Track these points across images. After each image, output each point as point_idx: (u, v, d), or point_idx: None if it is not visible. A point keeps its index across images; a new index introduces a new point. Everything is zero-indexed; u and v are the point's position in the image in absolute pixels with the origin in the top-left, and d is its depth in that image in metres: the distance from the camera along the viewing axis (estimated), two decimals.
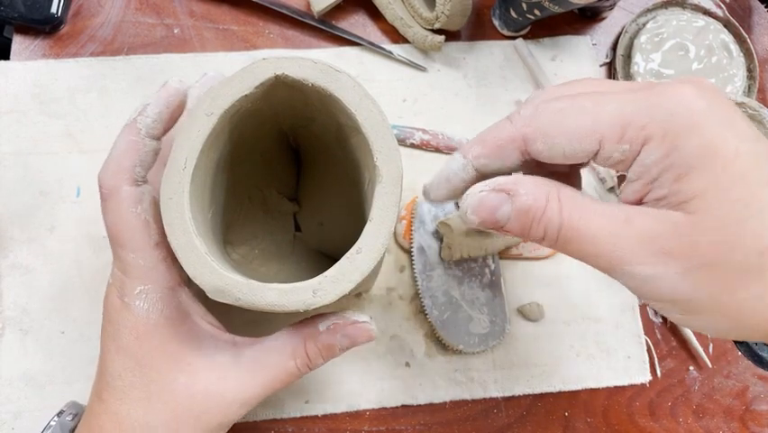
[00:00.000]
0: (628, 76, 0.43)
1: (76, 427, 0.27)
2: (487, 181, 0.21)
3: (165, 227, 0.22)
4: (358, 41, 0.42)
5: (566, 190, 0.21)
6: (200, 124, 0.23)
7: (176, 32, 0.42)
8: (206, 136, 0.23)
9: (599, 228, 0.19)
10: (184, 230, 0.22)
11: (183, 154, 0.23)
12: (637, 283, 0.20)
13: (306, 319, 0.26)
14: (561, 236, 0.20)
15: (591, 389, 0.38)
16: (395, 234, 0.39)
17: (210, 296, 0.22)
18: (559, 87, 0.23)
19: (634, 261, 0.19)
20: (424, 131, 0.41)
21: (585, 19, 0.46)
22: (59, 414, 0.28)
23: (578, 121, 0.20)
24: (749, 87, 0.44)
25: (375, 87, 0.42)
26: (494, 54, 0.44)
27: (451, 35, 0.43)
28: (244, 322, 0.34)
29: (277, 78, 0.23)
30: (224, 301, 0.22)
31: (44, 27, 0.40)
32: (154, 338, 0.25)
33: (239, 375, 0.25)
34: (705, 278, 0.18)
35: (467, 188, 0.23)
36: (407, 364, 0.37)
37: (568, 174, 0.26)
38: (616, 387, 0.38)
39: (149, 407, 0.25)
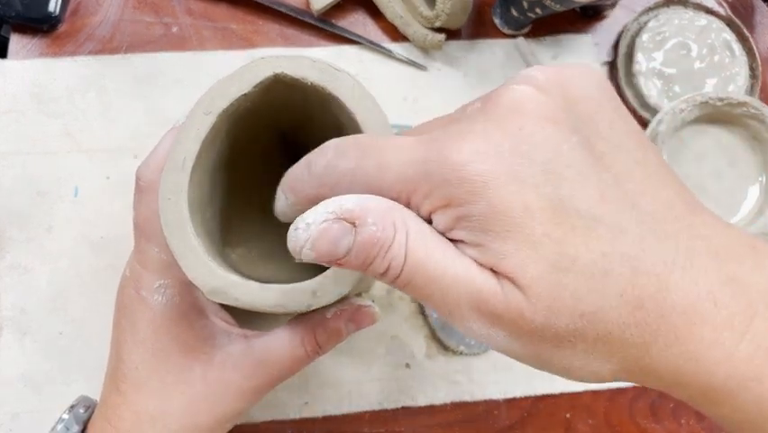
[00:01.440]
0: (630, 74, 0.43)
1: (89, 419, 0.27)
2: (329, 205, 0.17)
3: (163, 227, 0.22)
4: (358, 39, 0.42)
5: (413, 219, 0.17)
6: (199, 123, 0.23)
7: (174, 30, 0.42)
8: (205, 136, 0.23)
9: (439, 272, 0.17)
10: (182, 230, 0.22)
11: (181, 154, 0.22)
12: (475, 336, 0.18)
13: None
14: (403, 274, 0.17)
15: (593, 390, 0.38)
16: None
17: (208, 296, 0.22)
18: (348, 140, 0.19)
19: (467, 317, 0.17)
20: None
21: (586, 18, 0.45)
22: (71, 408, 0.28)
23: (364, 189, 0.18)
24: (751, 86, 0.43)
25: (375, 86, 0.41)
26: (495, 53, 0.43)
27: (451, 34, 0.43)
28: (251, 318, 0.34)
29: (276, 77, 0.23)
30: (223, 302, 0.22)
31: (42, 26, 0.40)
32: (171, 331, 0.26)
33: (252, 364, 0.26)
34: (533, 343, 0.17)
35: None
36: (408, 366, 0.37)
37: None
38: (617, 388, 0.38)
39: (165, 396, 0.26)
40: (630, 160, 0.17)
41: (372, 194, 0.18)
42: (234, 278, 0.22)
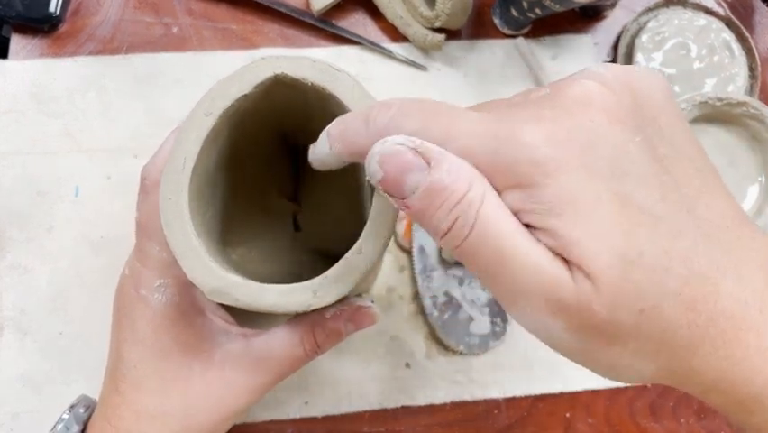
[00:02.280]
0: None
1: (89, 418, 0.27)
2: (411, 137, 0.17)
3: (163, 227, 0.22)
4: (358, 40, 0.42)
5: (491, 190, 0.17)
6: (199, 124, 0.23)
7: (175, 30, 0.42)
8: (205, 137, 0.23)
9: (510, 250, 0.16)
10: (182, 231, 0.22)
11: (182, 155, 0.22)
12: (528, 324, 0.18)
13: None
14: (470, 240, 0.16)
15: (593, 390, 0.38)
16: (395, 234, 0.39)
17: (208, 297, 0.22)
18: (414, 101, 0.19)
19: (530, 304, 0.17)
20: None
21: (586, 18, 0.45)
22: (71, 407, 0.28)
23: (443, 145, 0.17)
24: (751, 87, 0.43)
25: (375, 87, 0.41)
26: (495, 53, 0.43)
27: (451, 34, 0.43)
28: (250, 317, 0.34)
29: (276, 77, 0.23)
30: (223, 302, 0.22)
31: (43, 26, 0.40)
32: (170, 330, 0.26)
33: (251, 363, 0.26)
34: (589, 337, 0.16)
35: (340, 164, 0.20)
36: (408, 365, 0.37)
37: None
38: (617, 388, 0.38)
39: (165, 395, 0.26)
40: (690, 166, 0.17)
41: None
42: (234, 278, 0.22)
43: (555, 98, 0.17)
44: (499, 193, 0.17)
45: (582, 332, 0.16)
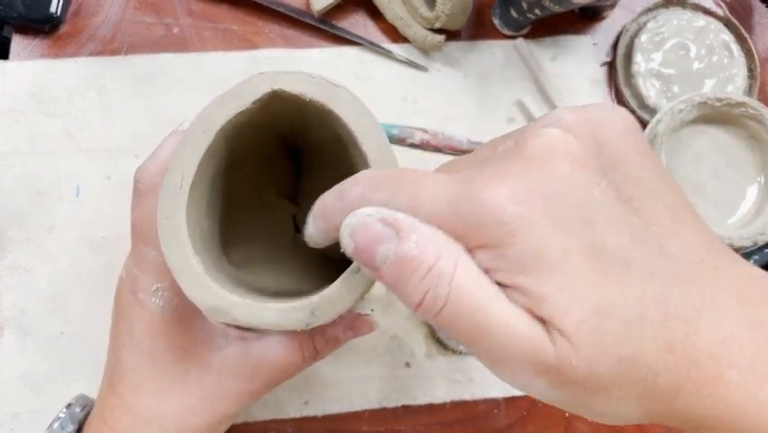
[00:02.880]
0: (629, 75, 0.43)
1: (85, 418, 0.27)
2: (380, 207, 0.17)
3: (161, 247, 0.22)
4: (358, 40, 0.42)
5: (464, 255, 0.17)
6: (196, 142, 0.23)
7: (175, 31, 0.42)
8: (202, 154, 0.23)
9: (491, 319, 0.16)
10: (180, 249, 0.22)
11: (179, 173, 0.22)
12: (514, 384, 0.18)
13: None
14: (444, 310, 0.16)
15: None
16: None
17: (207, 315, 0.22)
18: (382, 172, 0.19)
19: (512, 367, 0.17)
20: (424, 131, 0.41)
21: (586, 18, 0.45)
22: (68, 406, 0.28)
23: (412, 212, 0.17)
24: (750, 87, 0.44)
25: (375, 87, 0.42)
26: (494, 54, 0.44)
27: (451, 35, 0.43)
28: None
29: (274, 93, 0.23)
30: (222, 321, 0.22)
31: (43, 27, 0.40)
32: (167, 334, 0.26)
33: (249, 367, 0.26)
34: (573, 391, 0.16)
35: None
36: (408, 365, 0.37)
37: None
38: None
39: (162, 398, 0.26)
40: (658, 203, 0.17)
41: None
42: (233, 297, 0.22)
43: (519, 151, 0.17)
44: (469, 253, 0.17)
45: (566, 388, 0.16)
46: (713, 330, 0.16)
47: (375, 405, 0.36)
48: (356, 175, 0.19)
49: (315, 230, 0.21)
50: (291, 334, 0.26)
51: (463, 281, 0.16)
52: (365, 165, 0.23)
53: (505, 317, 0.16)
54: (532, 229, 0.16)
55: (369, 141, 0.23)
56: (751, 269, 0.18)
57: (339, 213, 0.19)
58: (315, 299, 0.22)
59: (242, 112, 0.23)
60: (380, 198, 0.18)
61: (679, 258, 0.16)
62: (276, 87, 0.23)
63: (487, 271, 0.16)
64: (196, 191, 0.23)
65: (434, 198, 0.17)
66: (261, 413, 0.36)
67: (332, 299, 0.22)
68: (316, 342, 0.26)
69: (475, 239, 0.16)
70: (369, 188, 0.18)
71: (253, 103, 0.23)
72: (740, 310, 0.16)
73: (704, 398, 0.16)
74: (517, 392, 0.37)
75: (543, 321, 0.16)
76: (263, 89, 0.23)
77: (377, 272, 0.17)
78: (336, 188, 0.19)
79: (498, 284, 0.16)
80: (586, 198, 0.16)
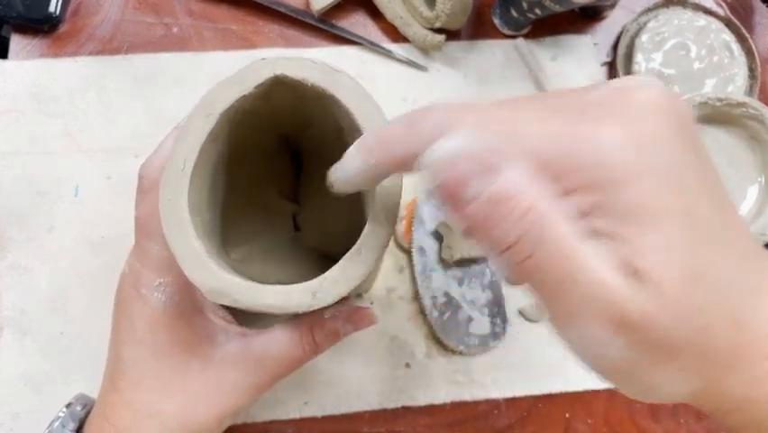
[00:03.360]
0: (629, 75, 0.43)
1: (86, 417, 0.28)
2: (469, 139, 0.16)
3: (163, 229, 0.22)
4: (358, 40, 0.42)
5: (563, 202, 0.16)
6: (199, 125, 0.23)
7: (175, 31, 0.42)
8: (205, 137, 0.23)
9: (581, 269, 0.15)
10: (182, 232, 0.22)
11: (182, 156, 0.22)
12: (581, 343, 0.17)
13: None
14: (535, 255, 0.15)
15: (592, 390, 0.38)
16: (395, 234, 0.39)
17: (208, 297, 0.22)
18: (459, 103, 0.18)
19: (591, 322, 0.16)
20: None
21: (586, 18, 0.45)
22: (68, 405, 0.28)
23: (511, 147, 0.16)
24: (750, 87, 0.43)
25: (375, 87, 0.41)
26: (494, 54, 0.44)
27: (451, 34, 0.43)
28: (249, 317, 0.34)
29: (276, 78, 0.23)
30: (223, 303, 0.22)
31: (43, 26, 0.40)
32: (169, 330, 0.26)
33: (250, 362, 0.26)
34: (643, 354, 0.16)
35: (369, 183, 0.19)
36: (408, 365, 0.37)
37: None
38: (617, 388, 0.38)
39: (163, 394, 0.26)
40: (724, 194, 0.18)
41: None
42: (234, 279, 0.22)
43: (625, 99, 0.16)
44: (566, 194, 0.16)
45: (640, 348, 0.16)
46: None
47: (375, 405, 0.36)
48: (425, 106, 0.18)
49: (358, 166, 0.18)
50: (291, 328, 0.26)
51: (557, 226, 0.15)
52: None
53: (594, 265, 0.15)
54: (640, 180, 0.15)
55: (370, 125, 0.23)
56: None
57: (408, 143, 0.17)
58: (317, 281, 0.22)
59: (244, 96, 0.23)
60: (466, 129, 0.16)
61: (745, 245, 0.17)
62: (278, 72, 0.23)
63: (585, 215, 0.16)
64: (197, 177, 0.23)
65: (533, 134, 0.16)
66: (261, 413, 0.36)
67: (333, 280, 0.22)
68: (316, 335, 0.26)
69: (579, 180, 0.16)
70: (450, 116, 0.16)
71: (256, 87, 0.23)
72: None
73: (752, 379, 0.16)
74: (518, 393, 0.37)
75: (635, 274, 0.15)
76: (265, 74, 0.23)
77: (461, 210, 0.16)
78: (400, 118, 0.18)
79: (592, 231, 0.16)
80: (686, 162, 0.16)
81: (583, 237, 0.15)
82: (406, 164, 0.17)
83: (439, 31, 0.41)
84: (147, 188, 0.26)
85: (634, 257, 0.15)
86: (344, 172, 0.20)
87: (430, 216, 0.38)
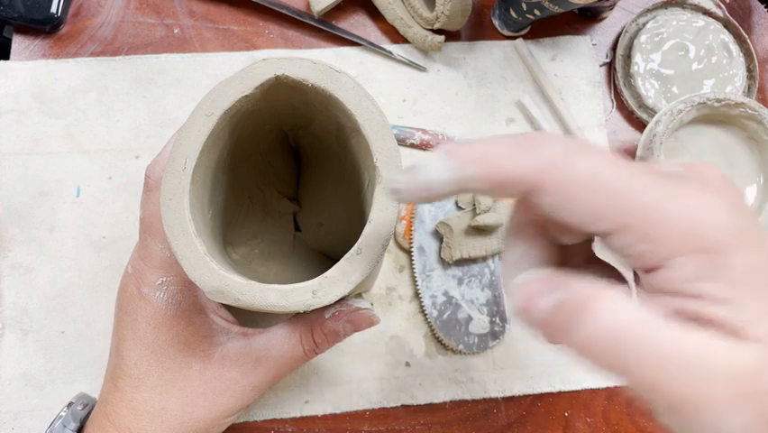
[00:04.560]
0: (628, 75, 0.43)
1: (87, 416, 0.28)
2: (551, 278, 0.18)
3: (164, 228, 0.22)
4: (358, 41, 0.42)
5: (618, 292, 0.16)
6: (200, 124, 0.23)
7: (176, 32, 0.42)
8: (206, 137, 0.23)
9: (671, 345, 0.15)
10: (183, 231, 0.22)
11: (183, 155, 0.23)
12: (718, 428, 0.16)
13: None
14: (604, 342, 0.16)
15: (591, 389, 0.38)
16: (395, 234, 0.39)
17: (209, 296, 0.22)
18: (585, 142, 0.19)
19: (715, 400, 0.15)
20: (423, 131, 0.41)
21: (585, 19, 0.46)
22: (69, 405, 0.28)
23: (601, 200, 0.16)
24: (749, 88, 0.44)
25: (375, 87, 0.42)
26: (494, 54, 0.44)
27: (451, 35, 0.43)
28: (250, 316, 0.34)
29: (277, 78, 0.23)
30: (224, 302, 0.22)
31: (44, 27, 0.40)
32: (171, 329, 0.26)
33: (250, 362, 0.26)
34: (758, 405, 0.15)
35: (447, 195, 0.18)
36: (407, 364, 0.37)
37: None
38: (616, 387, 0.38)
39: (164, 392, 0.26)
40: None
41: (606, 207, 0.16)
42: (235, 278, 0.22)
43: (700, 173, 0.18)
44: (679, 256, 0.16)
45: (756, 401, 0.15)
46: None
47: (375, 404, 0.37)
48: (545, 133, 0.19)
49: (447, 176, 0.18)
50: (292, 327, 0.26)
51: (623, 310, 0.16)
52: (366, 149, 0.23)
53: (692, 340, 0.15)
54: (748, 244, 0.16)
55: (369, 124, 0.23)
56: None
57: (517, 163, 0.17)
58: (317, 280, 0.22)
59: (245, 96, 0.23)
60: (585, 167, 0.16)
61: None
62: (279, 73, 0.23)
63: (700, 279, 0.16)
64: (198, 177, 0.23)
65: (647, 191, 0.16)
66: (262, 413, 0.36)
67: (333, 279, 0.22)
68: (316, 335, 0.26)
69: (690, 242, 0.16)
70: (570, 151, 0.17)
71: (257, 88, 0.23)
72: None
73: None
74: (517, 392, 0.37)
75: (751, 341, 0.15)
76: (266, 75, 0.23)
77: (539, 324, 0.18)
78: (509, 136, 0.18)
79: (701, 299, 0.16)
80: (756, 227, 0.17)
81: (673, 319, 0.16)
82: (508, 185, 0.17)
83: (439, 32, 0.42)
84: (152, 187, 0.27)
85: (750, 323, 0.15)
86: (425, 179, 0.18)
87: (430, 215, 0.38)
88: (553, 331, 0.17)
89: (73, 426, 0.27)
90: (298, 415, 0.36)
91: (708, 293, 0.16)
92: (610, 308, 0.16)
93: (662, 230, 0.16)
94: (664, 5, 0.45)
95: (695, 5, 0.45)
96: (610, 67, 0.45)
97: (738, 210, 0.17)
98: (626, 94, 0.43)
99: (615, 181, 0.16)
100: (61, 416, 0.28)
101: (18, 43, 0.40)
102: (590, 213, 0.16)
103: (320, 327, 0.26)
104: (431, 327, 0.37)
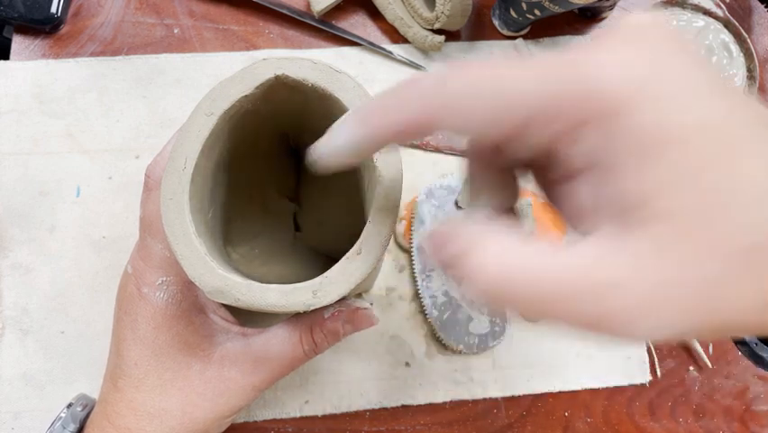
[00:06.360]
0: None
1: (87, 417, 0.28)
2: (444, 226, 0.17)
3: (164, 228, 0.22)
4: (358, 41, 0.42)
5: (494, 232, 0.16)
6: (200, 124, 0.23)
7: (176, 32, 0.42)
8: (206, 137, 0.23)
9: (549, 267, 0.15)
10: (183, 231, 0.22)
11: (183, 155, 0.23)
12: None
13: None
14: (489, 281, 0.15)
15: (591, 389, 0.38)
16: (395, 234, 0.39)
17: (209, 296, 0.22)
18: (455, 63, 0.17)
19: (616, 320, 0.14)
20: None
21: (585, 19, 0.46)
22: (69, 406, 0.28)
23: (483, 111, 0.15)
24: (749, 87, 0.44)
25: (375, 88, 0.42)
26: (494, 54, 0.44)
27: (451, 35, 0.43)
28: (250, 316, 0.34)
29: (277, 78, 0.23)
30: (224, 302, 0.22)
31: (44, 27, 0.40)
32: (171, 329, 0.26)
33: (250, 362, 0.26)
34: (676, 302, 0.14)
35: (355, 158, 0.18)
36: (407, 365, 0.37)
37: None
38: (616, 387, 0.38)
39: (164, 393, 0.26)
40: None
41: (490, 119, 0.15)
42: (235, 278, 0.22)
43: (612, 32, 0.15)
44: (577, 128, 0.15)
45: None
46: None
47: (375, 405, 0.37)
48: (413, 76, 0.17)
49: (348, 135, 0.18)
50: (291, 327, 0.26)
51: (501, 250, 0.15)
52: None
53: (567, 263, 0.14)
54: (659, 100, 0.14)
55: None
56: None
57: (406, 107, 0.16)
58: (317, 280, 0.22)
59: (245, 96, 0.23)
60: (459, 86, 0.16)
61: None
62: (279, 73, 0.23)
63: (593, 151, 0.15)
64: (198, 176, 0.23)
65: (524, 79, 0.15)
66: (262, 413, 0.36)
67: (333, 279, 0.22)
68: (316, 335, 0.26)
69: (592, 107, 0.14)
70: (443, 77, 0.16)
71: (257, 87, 0.23)
72: None
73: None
74: (517, 392, 0.37)
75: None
76: (266, 75, 0.23)
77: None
78: (394, 85, 0.17)
79: (602, 171, 0.15)
80: (686, 76, 0.14)
81: (546, 243, 0.15)
82: (403, 132, 0.17)
83: (439, 31, 0.42)
84: (152, 187, 0.27)
85: (656, 190, 0.14)
86: (329, 147, 0.18)
87: (430, 215, 0.38)
88: (458, 282, 0.16)
89: (72, 427, 0.27)
90: (298, 415, 0.36)
91: (604, 160, 0.14)
92: (494, 252, 0.15)
93: (558, 104, 0.14)
94: (664, 5, 0.45)
95: (695, 5, 0.45)
96: None
97: (658, 59, 0.14)
98: None
99: (496, 79, 0.15)
100: (61, 417, 0.28)
101: (18, 43, 0.40)
102: (484, 120, 0.15)
103: (320, 326, 0.26)
104: (431, 327, 0.37)
